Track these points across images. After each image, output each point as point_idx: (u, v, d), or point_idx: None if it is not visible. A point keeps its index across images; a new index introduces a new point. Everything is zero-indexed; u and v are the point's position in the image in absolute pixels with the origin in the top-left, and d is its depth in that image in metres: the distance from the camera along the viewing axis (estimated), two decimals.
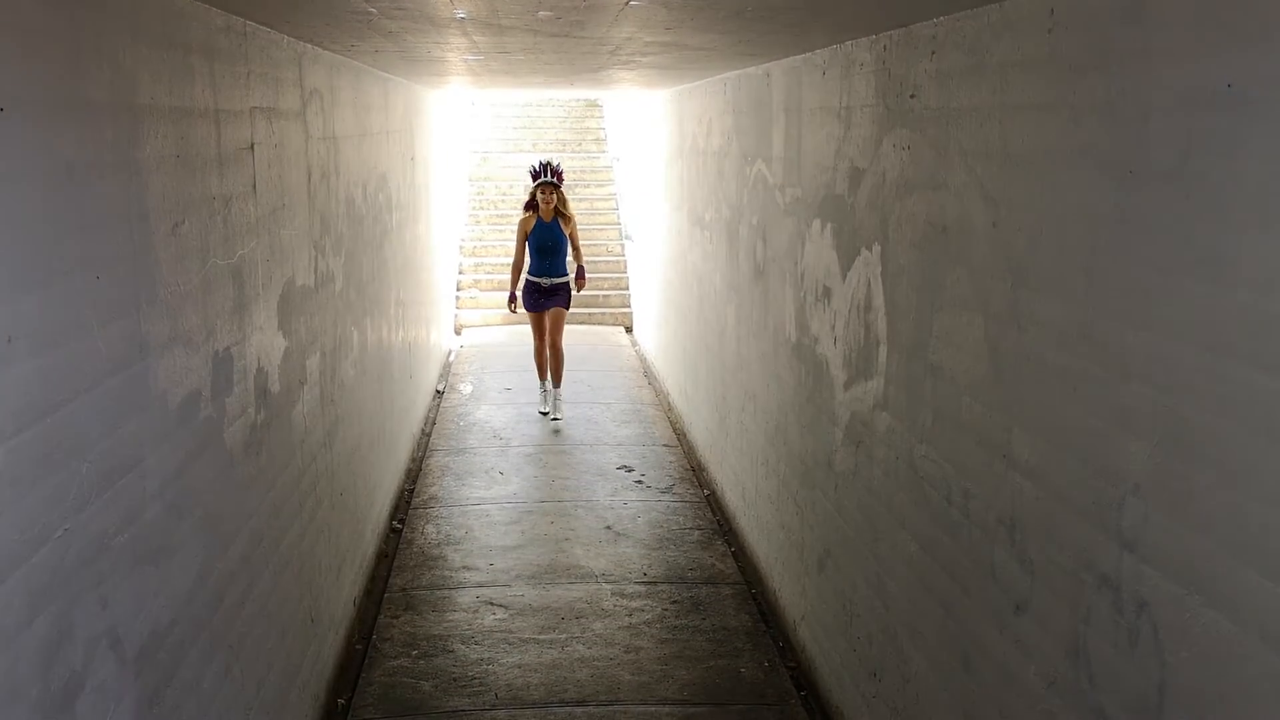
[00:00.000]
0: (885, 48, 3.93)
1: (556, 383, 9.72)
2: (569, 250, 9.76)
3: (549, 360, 9.80)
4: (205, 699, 3.04)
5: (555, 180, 9.51)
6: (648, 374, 11.51)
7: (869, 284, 4.13)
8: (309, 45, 4.78)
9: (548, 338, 9.71)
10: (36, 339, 2.08)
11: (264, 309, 3.84)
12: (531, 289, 9.63)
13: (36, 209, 2.12)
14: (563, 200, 9.64)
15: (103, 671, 2.33)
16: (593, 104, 17.41)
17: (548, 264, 9.57)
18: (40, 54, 2.17)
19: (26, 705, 2.00)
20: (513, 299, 9.70)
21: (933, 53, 3.45)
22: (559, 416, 9.51)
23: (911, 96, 3.64)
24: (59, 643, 2.13)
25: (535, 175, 9.60)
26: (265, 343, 3.86)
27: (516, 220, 16.73)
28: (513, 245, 16.99)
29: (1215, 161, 2.02)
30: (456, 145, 14.73)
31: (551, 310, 9.69)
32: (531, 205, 9.58)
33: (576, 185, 16.35)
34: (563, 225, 9.58)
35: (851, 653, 4.45)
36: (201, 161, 3.13)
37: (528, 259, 9.65)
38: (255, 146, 3.74)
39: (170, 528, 2.79)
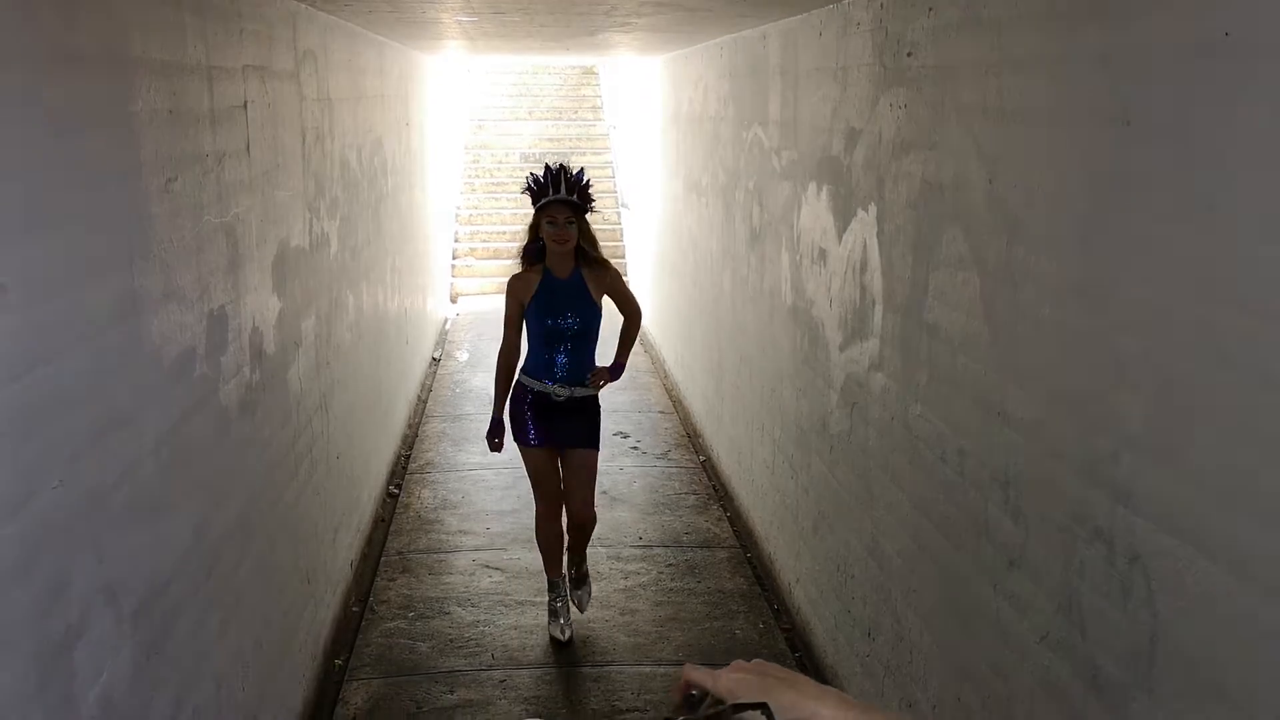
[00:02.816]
0: (883, 5, 3.90)
1: (577, 572, 5.29)
2: (601, 330, 5.09)
3: (564, 541, 5.22)
4: (203, 655, 3.06)
5: (578, 199, 4.83)
6: (643, 341, 11.52)
7: (865, 245, 4.12)
8: (303, 4, 4.74)
9: (566, 503, 5.12)
10: (29, 289, 2.07)
11: (258, 269, 3.83)
12: (532, 405, 4.98)
13: (29, 160, 2.11)
14: (589, 237, 4.94)
15: (100, 624, 2.34)
16: (589, 71, 17.32)
17: (564, 360, 4.95)
18: (31, 4, 2.15)
19: (23, 655, 2.01)
20: (496, 430, 5.00)
21: (930, 9, 3.43)
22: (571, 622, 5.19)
23: (908, 55, 3.62)
24: (55, 594, 2.14)
25: (537, 191, 4.87)
26: (260, 303, 3.85)
27: (510, 190, 16.90)
28: (504, 218, 16.77)
29: (1214, 111, 2.01)
30: (452, 112, 14.66)
31: (575, 455, 5.05)
32: (531, 253, 4.97)
33: (573, 154, 16.31)
34: (593, 284, 4.95)
35: (846, 613, 4.47)
36: (194, 118, 3.11)
37: (524, 350, 5.05)
38: (249, 105, 3.72)
39: (166, 484, 2.79)
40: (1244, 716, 1.96)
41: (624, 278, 5.39)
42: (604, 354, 5.12)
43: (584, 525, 5.16)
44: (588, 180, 4.94)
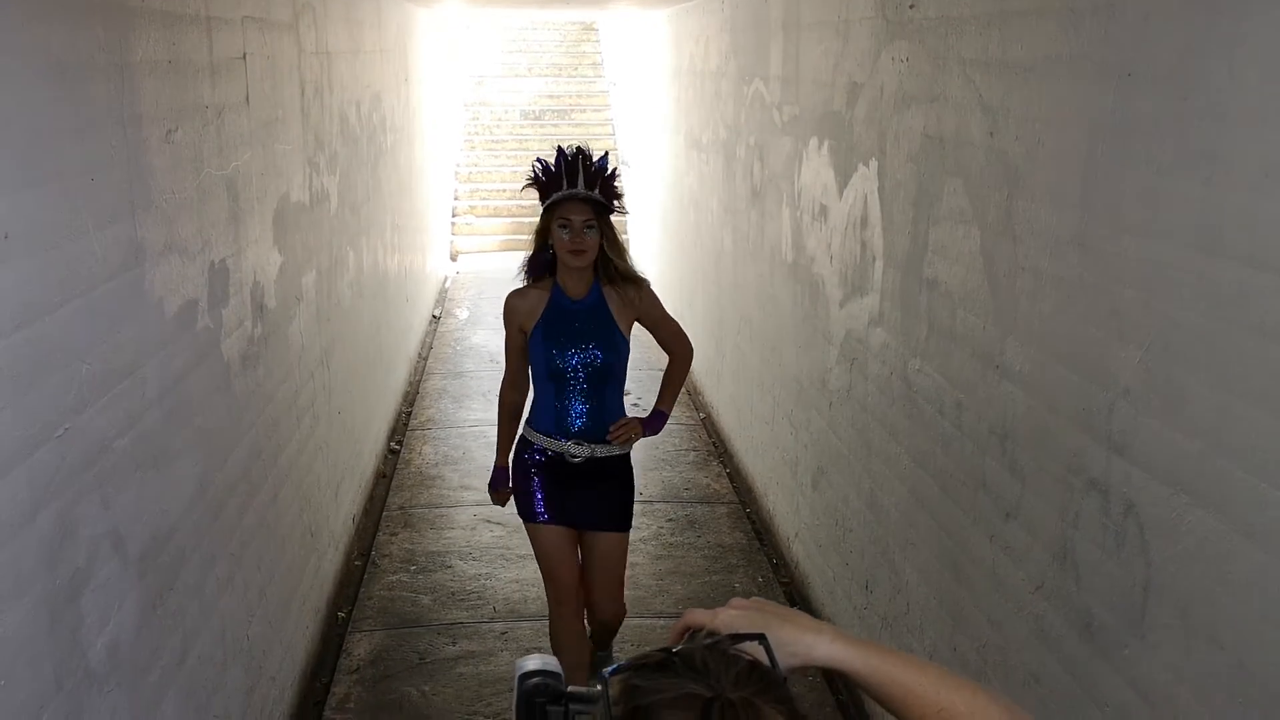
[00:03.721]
0: None
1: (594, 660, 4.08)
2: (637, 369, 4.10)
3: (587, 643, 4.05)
4: (208, 604, 3.09)
5: (601, 195, 3.65)
6: None
7: (865, 200, 4.12)
8: None
9: (586, 597, 3.98)
10: (33, 238, 2.08)
11: (259, 223, 3.83)
12: (541, 469, 3.84)
13: (30, 107, 2.11)
14: (616, 247, 3.75)
15: (106, 570, 2.37)
16: (589, 27, 17.20)
17: (581, 408, 3.77)
18: None
19: (32, 598, 2.04)
20: (501, 478, 3.96)
21: None
22: None
23: (910, 7, 3.60)
24: (62, 539, 2.17)
25: (547, 183, 3.68)
26: (261, 257, 3.86)
27: (509, 148, 16.79)
28: (504, 175, 16.39)
29: (1213, 61, 2.01)
30: (451, 69, 14.57)
31: (600, 541, 3.88)
32: (538, 265, 3.79)
33: (572, 111, 16.22)
34: (619, 308, 3.77)
35: (844, 566, 4.52)
36: (194, 69, 3.11)
37: (530, 393, 3.91)
38: (247, 57, 3.71)
39: (170, 435, 2.82)
40: (1234, 660, 1.99)
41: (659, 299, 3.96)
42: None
43: (609, 622, 4.05)
44: (614, 169, 3.71)
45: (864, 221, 4.15)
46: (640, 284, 3.82)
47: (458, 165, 14.98)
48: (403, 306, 8.31)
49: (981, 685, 1.27)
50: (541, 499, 3.84)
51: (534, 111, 16.12)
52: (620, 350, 3.78)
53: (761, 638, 1.13)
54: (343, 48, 5.77)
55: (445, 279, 12.39)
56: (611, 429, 3.77)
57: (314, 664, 4.47)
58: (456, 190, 14.66)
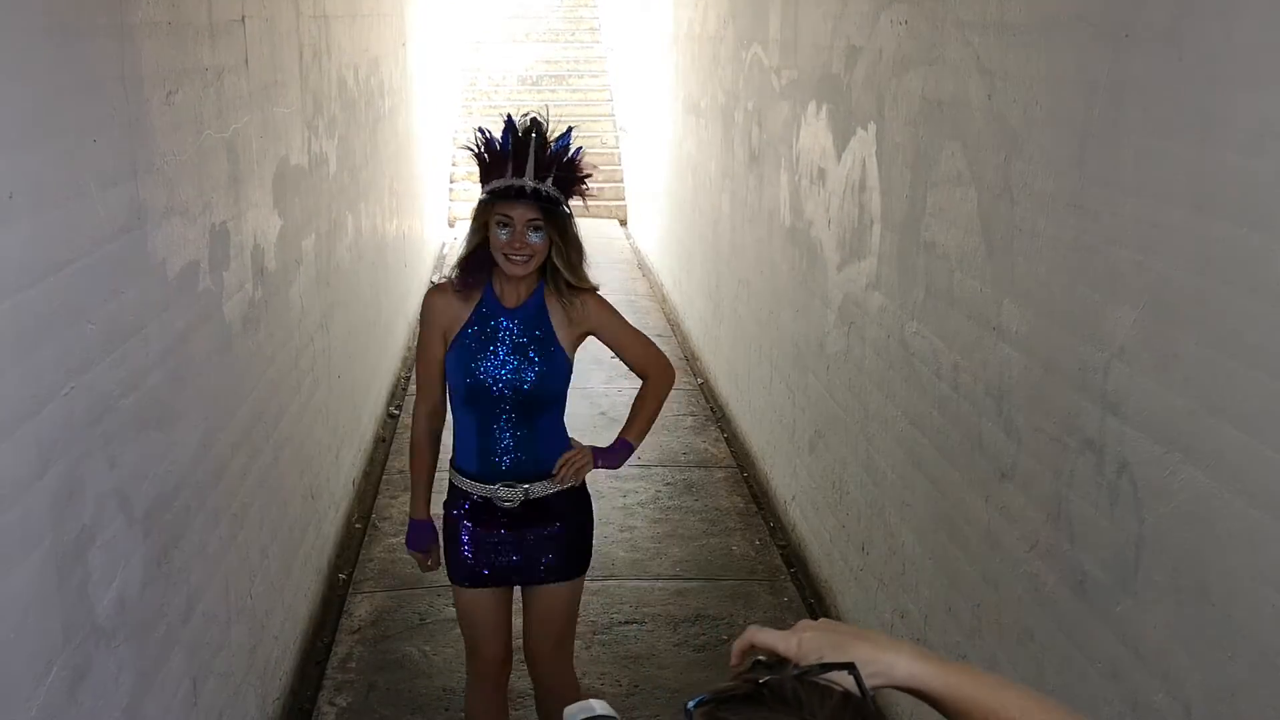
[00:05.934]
0: None
1: None
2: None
3: None
4: (212, 563, 3.13)
5: (556, 189, 2.91)
6: (642, 266, 11.53)
7: (864, 164, 4.13)
8: None
9: (531, 674, 3.31)
10: (37, 198, 2.09)
11: (259, 186, 3.84)
12: (468, 517, 3.10)
13: (32, 66, 2.12)
14: (571, 253, 2.98)
15: (112, 528, 2.40)
16: None
17: (509, 441, 3.04)
18: None
19: (41, 553, 2.07)
20: (420, 536, 3.23)
21: None
22: None
23: None
24: (69, 496, 2.19)
25: (489, 165, 2.96)
26: (261, 220, 3.87)
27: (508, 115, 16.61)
28: None
29: (1209, 21, 2.03)
30: (449, 34, 14.49)
31: (538, 596, 3.17)
32: (479, 262, 3.02)
33: (570, 76, 16.13)
34: (562, 319, 3.04)
35: (840, 529, 4.56)
36: (193, 31, 3.11)
37: (451, 424, 3.16)
38: (246, 20, 3.70)
39: (173, 395, 2.84)
40: (1223, 615, 2.03)
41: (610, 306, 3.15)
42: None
43: (554, 692, 3.22)
44: (577, 150, 2.97)
45: (862, 185, 4.16)
46: (592, 295, 3.07)
47: (455, 131, 14.92)
48: (401, 271, 8.32)
49: (1071, 709, 1.18)
50: (469, 553, 3.10)
51: (531, 77, 16.04)
52: (559, 370, 3.04)
53: (851, 666, 1.06)
54: (340, 11, 5.75)
55: (443, 244, 12.38)
56: (558, 465, 3.05)
57: (316, 624, 4.52)
58: (454, 156, 14.61)
